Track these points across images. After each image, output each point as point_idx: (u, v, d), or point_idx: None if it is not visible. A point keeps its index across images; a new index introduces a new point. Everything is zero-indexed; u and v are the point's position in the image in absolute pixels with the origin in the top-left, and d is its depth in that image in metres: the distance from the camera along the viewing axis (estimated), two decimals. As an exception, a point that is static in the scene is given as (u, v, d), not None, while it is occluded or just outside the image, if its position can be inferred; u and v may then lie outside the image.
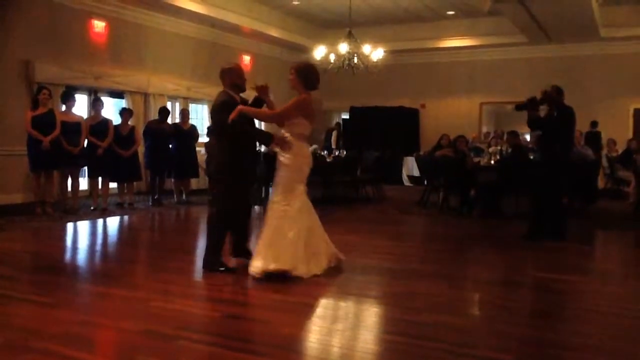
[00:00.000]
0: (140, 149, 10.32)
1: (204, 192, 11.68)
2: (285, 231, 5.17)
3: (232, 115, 5.17)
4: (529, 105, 7.35)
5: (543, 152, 7.61)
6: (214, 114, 5.48)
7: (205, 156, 10.75)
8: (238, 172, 5.43)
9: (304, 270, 5.13)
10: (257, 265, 5.12)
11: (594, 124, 13.95)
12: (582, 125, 13.05)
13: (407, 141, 16.45)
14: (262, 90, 5.53)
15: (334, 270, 5.44)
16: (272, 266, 5.06)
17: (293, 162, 5.31)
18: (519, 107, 7.51)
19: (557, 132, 7.35)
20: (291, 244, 5.15)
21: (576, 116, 7.45)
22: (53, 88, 9.90)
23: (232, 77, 5.49)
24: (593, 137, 13.51)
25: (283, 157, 5.32)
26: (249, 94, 5.64)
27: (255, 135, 5.46)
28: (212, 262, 5.48)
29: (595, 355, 3.58)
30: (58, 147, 8.82)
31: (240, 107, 5.27)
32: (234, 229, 5.67)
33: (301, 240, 5.20)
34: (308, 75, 5.41)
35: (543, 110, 7.62)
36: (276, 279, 5.02)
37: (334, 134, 16.37)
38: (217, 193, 5.52)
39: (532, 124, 7.59)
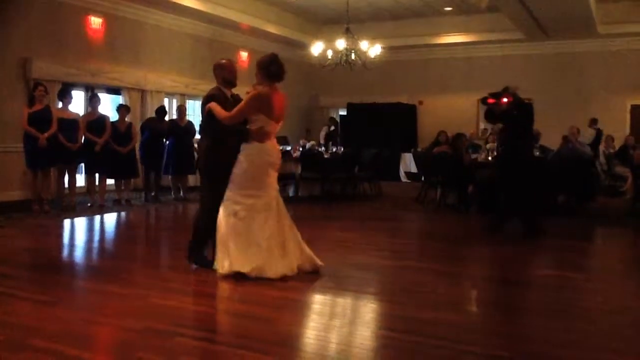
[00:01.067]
0: (136, 145, 10.30)
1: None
2: (248, 232, 5.01)
3: (213, 107, 5.11)
4: (494, 98, 7.55)
5: (506, 147, 7.76)
6: (202, 107, 5.41)
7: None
8: (221, 169, 5.24)
9: (272, 272, 4.96)
10: (224, 265, 5.02)
11: (594, 121, 13.96)
12: (578, 122, 13.13)
13: (404, 138, 16.46)
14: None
15: (312, 275, 5.27)
16: (238, 268, 4.95)
17: (249, 160, 5.09)
18: (484, 100, 7.75)
19: (519, 128, 7.53)
20: (257, 245, 5.01)
21: (534, 113, 7.73)
22: (50, 85, 9.88)
23: (223, 73, 5.48)
24: (597, 136, 13.60)
25: (240, 154, 5.12)
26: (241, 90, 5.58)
27: (235, 132, 5.19)
28: (192, 257, 5.46)
29: (595, 353, 3.59)
30: (55, 144, 8.80)
31: (210, 104, 5.15)
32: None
33: (265, 241, 5.01)
34: (269, 67, 5.14)
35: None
36: (245, 278, 4.95)
37: (324, 129, 16.28)
38: (204, 190, 5.50)
39: (491, 117, 7.79)
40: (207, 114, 5.22)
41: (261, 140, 5.11)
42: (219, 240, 5.08)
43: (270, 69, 5.13)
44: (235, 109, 5.09)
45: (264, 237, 5.02)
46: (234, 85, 5.52)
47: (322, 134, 16.10)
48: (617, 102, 15.29)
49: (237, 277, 4.97)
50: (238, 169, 5.11)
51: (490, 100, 7.59)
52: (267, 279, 4.91)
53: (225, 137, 5.22)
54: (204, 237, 5.45)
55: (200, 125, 6.15)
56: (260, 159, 5.12)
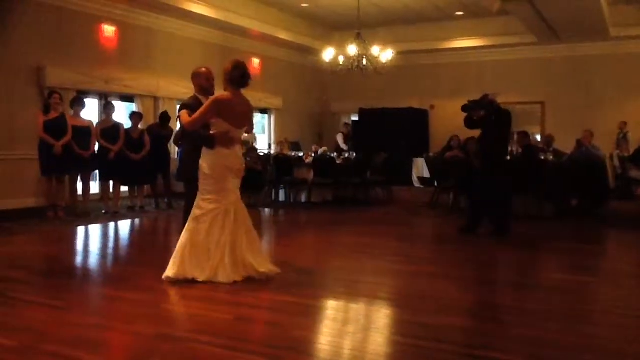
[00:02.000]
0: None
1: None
2: (203, 238, 5.04)
3: (181, 115, 5.20)
4: (473, 107, 7.84)
5: (483, 152, 7.99)
6: (178, 116, 5.45)
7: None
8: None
9: (223, 278, 4.98)
10: (172, 271, 5.06)
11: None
12: (591, 125, 13.05)
13: (416, 143, 16.40)
14: None
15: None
16: (191, 274, 5.02)
17: (209, 166, 5.10)
18: (464, 107, 7.98)
19: (495, 134, 7.75)
20: (209, 250, 5.04)
21: (511, 120, 7.99)
22: (64, 93, 9.96)
23: (200, 81, 5.60)
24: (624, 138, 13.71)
25: (201, 160, 5.14)
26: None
27: (200, 137, 5.17)
28: None
29: (606, 357, 3.56)
30: (69, 152, 8.87)
31: (180, 112, 5.22)
32: None
33: (219, 247, 5.03)
34: (231, 72, 5.13)
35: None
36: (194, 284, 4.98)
37: (341, 135, 16.29)
38: (186, 197, 5.51)
39: (470, 124, 7.97)
40: (181, 122, 5.29)
41: (226, 145, 5.09)
42: (178, 244, 5.13)
43: (233, 74, 5.12)
44: (195, 115, 5.08)
45: (218, 243, 5.03)
46: (211, 93, 5.52)
47: (340, 137, 16.04)
48: (630, 105, 15.16)
49: (189, 283, 5.00)
50: (200, 175, 5.15)
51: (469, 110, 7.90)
52: (220, 283, 4.95)
53: (199, 144, 5.22)
54: None
55: (176, 134, 6.18)
56: (219, 164, 5.10)
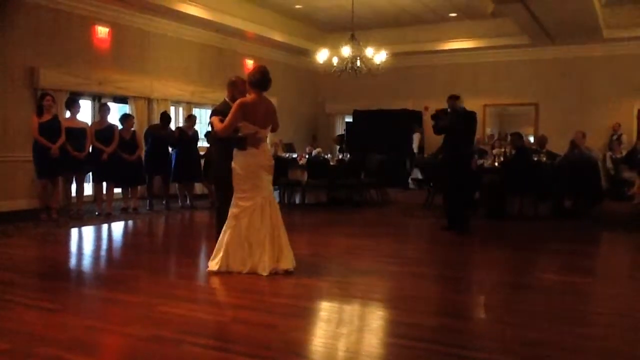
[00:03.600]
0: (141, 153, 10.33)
1: (208, 197, 11.72)
2: (244, 233, 5.44)
3: (213, 121, 5.62)
4: (439, 115, 8.58)
5: (446, 150, 8.44)
6: (210, 121, 5.85)
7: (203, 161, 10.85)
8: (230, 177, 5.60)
9: (261, 269, 5.37)
10: (216, 265, 5.50)
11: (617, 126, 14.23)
12: (585, 127, 13.11)
13: (411, 144, 16.41)
14: None
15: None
16: (232, 268, 5.45)
17: (240, 166, 5.46)
18: (432, 116, 8.70)
19: (460, 133, 8.23)
20: (249, 245, 5.43)
21: (478, 118, 8.77)
22: (57, 94, 9.95)
23: (233, 90, 5.99)
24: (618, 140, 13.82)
25: (232, 162, 5.49)
26: None
27: (231, 140, 5.53)
28: None
29: (601, 358, 3.57)
30: (64, 154, 8.84)
31: (212, 119, 5.64)
32: None
33: (260, 241, 5.40)
34: (252, 76, 5.53)
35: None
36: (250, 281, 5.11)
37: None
38: (218, 198, 5.86)
39: (438, 131, 8.51)
40: (212, 127, 5.66)
41: (255, 145, 5.45)
42: (220, 241, 5.54)
43: (255, 78, 5.50)
44: (225, 121, 5.45)
45: (258, 237, 5.41)
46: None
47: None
48: (624, 106, 15.23)
49: (230, 275, 5.40)
50: (234, 176, 5.49)
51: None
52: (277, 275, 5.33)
53: (231, 146, 5.57)
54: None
55: (207, 136, 6.43)
56: (250, 163, 5.45)
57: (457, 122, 8.19)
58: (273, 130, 5.77)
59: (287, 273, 5.45)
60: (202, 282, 5.56)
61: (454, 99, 8.45)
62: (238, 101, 5.45)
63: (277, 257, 5.46)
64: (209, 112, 14.12)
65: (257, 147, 5.46)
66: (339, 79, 13.30)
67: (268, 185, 5.57)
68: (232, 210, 5.46)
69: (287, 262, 5.51)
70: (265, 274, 5.34)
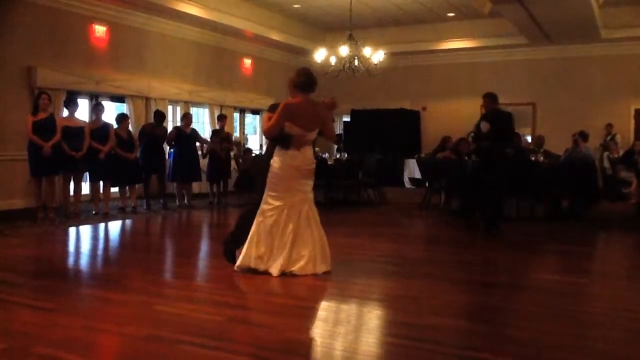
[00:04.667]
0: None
1: (205, 196, 11.71)
2: (268, 232, 5.40)
3: (264, 119, 5.73)
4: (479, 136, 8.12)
5: (482, 153, 8.21)
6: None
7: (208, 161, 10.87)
8: None
9: (276, 270, 5.34)
10: (246, 260, 5.44)
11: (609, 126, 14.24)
12: (582, 127, 13.13)
13: (408, 144, 16.44)
14: (329, 105, 5.85)
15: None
16: (254, 265, 5.40)
17: (278, 165, 5.44)
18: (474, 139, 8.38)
19: (498, 134, 7.92)
20: (277, 244, 5.40)
21: (514, 119, 8.46)
22: (54, 93, 9.93)
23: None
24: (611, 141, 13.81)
25: (272, 160, 5.49)
26: None
27: (276, 138, 5.52)
28: (229, 252, 5.75)
29: (599, 358, 3.58)
30: (59, 152, 8.82)
31: (265, 115, 5.69)
32: None
33: (283, 242, 5.38)
34: (297, 79, 5.51)
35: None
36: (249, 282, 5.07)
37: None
38: (259, 192, 5.72)
39: (479, 153, 8.30)
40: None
41: (297, 147, 5.42)
42: (249, 237, 5.46)
43: (299, 80, 5.48)
44: (271, 121, 5.42)
45: (282, 237, 5.38)
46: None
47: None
48: (621, 107, 15.25)
49: (238, 275, 5.41)
50: (270, 173, 5.47)
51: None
52: (293, 274, 5.34)
53: (277, 143, 5.54)
54: (245, 235, 5.58)
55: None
56: (288, 164, 5.42)
57: (494, 125, 7.87)
58: (326, 136, 5.75)
59: (325, 274, 5.47)
60: (199, 282, 5.57)
61: (489, 97, 8.12)
62: (283, 102, 5.43)
63: (315, 259, 5.44)
64: (207, 111, 14.31)
65: (299, 149, 5.43)
66: (337, 78, 13.29)
67: (303, 188, 5.53)
68: (262, 207, 5.46)
69: (328, 264, 5.55)
70: (275, 274, 5.30)
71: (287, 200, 5.42)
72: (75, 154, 9.01)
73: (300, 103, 5.43)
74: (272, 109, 5.67)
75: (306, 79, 5.48)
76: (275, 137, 5.46)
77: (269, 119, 5.51)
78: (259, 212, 5.47)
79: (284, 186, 5.42)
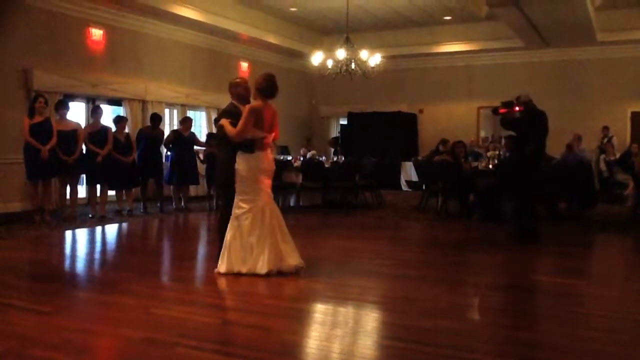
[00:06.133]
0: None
1: (203, 199, 11.70)
2: (246, 234, 5.54)
3: (224, 124, 5.62)
4: (505, 107, 7.71)
5: (514, 153, 7.87)
6: (215, 122, 5.93)
7: (206, 164, 10.82)
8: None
9: (262, 269, 5.43)
10: (222, 266, 5.55)
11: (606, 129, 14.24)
12: (579, 130, 13.18)
13: (405, 146, 16.46)
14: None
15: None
16: (237, 268, 5.50)
17: (244, 168, 5.57)
18: (496, 110, 7.88)
19: (528, 134, 7.56)
20: (250, 246, 5.53)
21: (548, 120, 7.70)
22: (51, 96, 9.92)
23: (238, 90, 5.96)
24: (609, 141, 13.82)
25: (236, 164, 5.60)
26: None
27: (240, 143, 5.61)
28: None
29: (595, 359, 3.58)
30: (55, 156, 8.80)
31: (222, 121, 5.68)
32: None
33: (261, 242, 5.51)
34: (260, 84, 5.66)
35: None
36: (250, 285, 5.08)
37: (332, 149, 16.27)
38: (223, 200, 5.93)
39: (506, 124, 7.83)
40: (221, 129, 5.68)
41: (262, 149, 5.61)
42: (224, 243, 5.58)
43: (263, 85, 5.65)
44: (239, 125, 5.49)
45: (259, 238, 5.51)
46: (247, 101, 5.89)
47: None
48: (617, 109, 15.30)
49: (235, 277, 5.42)
50: (238, 178, 5.60)
51: (502, 110, 7.72)
52: (259, 275, 5.41)
53: (237, 149, 5.65)
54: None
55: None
56: (254, 167, 5.58)
57: (523, 120, 7.51)
58: (275, 137, 5.88)
59: (297, 269, 5.60)
60: (196, 285, 5.56)
61: (525, 96, 7.77)
62: (249, 107, 5.55)
63: (282, 257, 5.57)
64: (204, 114, 14.31)
65: (263, 151, 5.62)
66: (334, 81, 13.31)
67: (267, 189, 5.70)
68: (235, 211, 5.58)
69: (295, 258, 5.67)
70: (263, 272, 5.39)
71: (257, 202, 5.57)
72: (68, 158, 8.98)
73: (262, 106, 5.62)
74: (227, 114, 5.75)
75: (269, 85, 5.66)
76: (237, 143, 5.58)
77: (230, 123, 5.58)
78: (232, 217, 5.59)
79: (253, 187, 5.59)
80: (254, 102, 5.67)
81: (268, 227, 5.54)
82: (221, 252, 5.60)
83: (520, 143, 7.73)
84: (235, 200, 5.60)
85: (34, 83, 10.20)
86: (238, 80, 6.13)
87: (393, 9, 14.28)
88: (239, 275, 5.44)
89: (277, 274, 5.47)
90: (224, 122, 5.65)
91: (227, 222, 5.66)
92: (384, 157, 13.49)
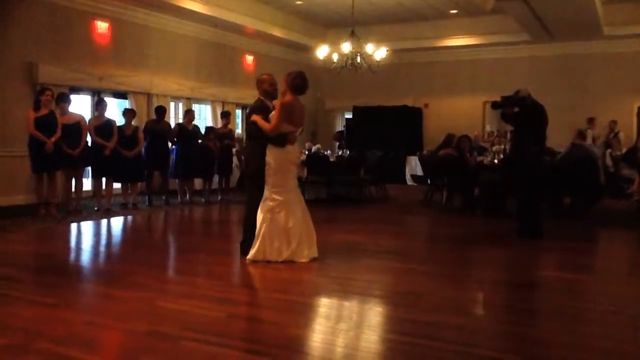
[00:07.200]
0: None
1: (207, 193, 11.71)
2: (282, 225, 5.77)
3: (257, 120, 5.82)
4: (505, 103, 7.82)
5: (514, 147, 7.85)
6: (247, 118, 6.10)
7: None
8: None
9: (301, 258, 5.77)
10: (255, 255, 5.79)
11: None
12: (584, 124, 13.10)
13: (410, 140, 16.43)
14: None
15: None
16: (270, 257, 5.74)
17: (275, 161, 5.78)
18: (495, 105, 8.00)
19: (527, 128, 7.56)
20: (287, 237, 5.78)
21: (547, 113, 7.63)
22: (56, 89, 9.89)
23: (264, 86, 6.18)
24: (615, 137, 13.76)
25: (267, 158, 5.80)
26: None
27: (273, 137, 5.81)
28: (244, 252, 5.99)
29: (600, 356, 3.57)
30: (59, 149, 8.81)
31: (255, 117, 5.86)
32: None
33: (297, 232, 5.79)
34: (293, 80, 5.92)
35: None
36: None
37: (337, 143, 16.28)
38: (252, 192, 6.03)
39: (506, 118, 7.92)
40: (253, 124, 5.86)
41: (292, 142, 5.89)
42: (257, 233, 5.79)
43: (295, 82, 5.91)
44: (274, 120, 5.74)
45: (294, 227, 5.78)
46: (274, 97, 6.13)
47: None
48: (623, 104, 15.22)
49: (240, 271, 5.67)
50: (268, 170, 5.81)
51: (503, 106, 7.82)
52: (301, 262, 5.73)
53: (269, 141, 5.86)
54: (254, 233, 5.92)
55: (248, 134, 6.41)
56: (284, 159, 5.83)
57: (529, 115, 7.49)
58: (301, 132, 6.12)
59: (312, 260, 5.84)
60: (200, 278, 5.56)
61: (524, 90, 7.69)
62: (283, 102, 5.78)
63: (310, 244, 5.88)
64: (209, 107, 14.30)
65: (292, 144, 5.88)
66: (339, 75, 13.27)
67: (294, 178, 6.01)
68: (268, 204, 5.78)
69: (314, 250, 5.92)
70: (305, 260, 5.73)
71: (288, 193, 5.84)
72: (72, 152, 8.99)
73: (294, 101, 5.87)
74: (258, 110, 5.95)
75: (302, 83, 5.92)
76: (269, 137, 5.78)
77: (263, 118, 5.80)
78: (265, 209, 5.78)
79: (283, 180, 5.82)
80: (286, 97, 5.87)
81: (300, 216, 5.83)
82: (256, 243, 5.78)
83: (519, 137, 7.71)
84: (267, 192, 5.80)
85: (39, 76, 10.20)
86: (264, 76, 6.30)
87: (399, 2, 14.22)
88: (268, 263, 5.67)
89: (290, 262, 5.70)
90: (257, 118, 5.84)
91: (253, 211, 5.87)
92: (388, 151, 13.47)
